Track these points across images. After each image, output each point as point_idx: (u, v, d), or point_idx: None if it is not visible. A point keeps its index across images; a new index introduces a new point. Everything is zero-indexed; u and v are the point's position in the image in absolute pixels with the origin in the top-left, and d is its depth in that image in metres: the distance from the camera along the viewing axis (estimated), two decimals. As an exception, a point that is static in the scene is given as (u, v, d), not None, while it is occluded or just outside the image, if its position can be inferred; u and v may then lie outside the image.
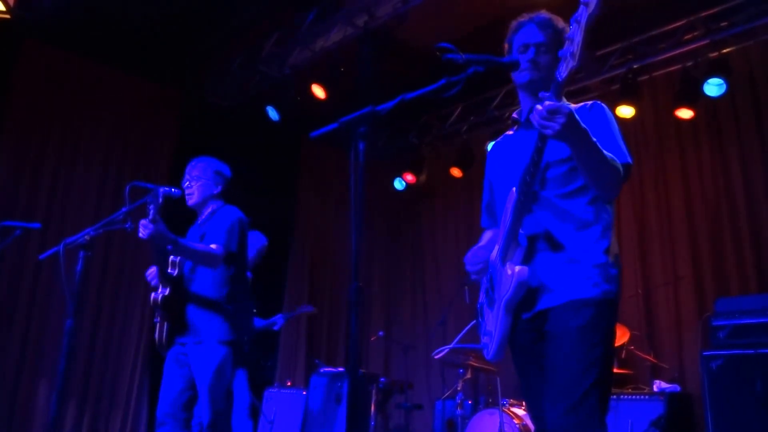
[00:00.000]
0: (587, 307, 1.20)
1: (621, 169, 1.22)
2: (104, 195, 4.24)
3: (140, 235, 1.88)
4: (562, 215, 1.27)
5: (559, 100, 1.13)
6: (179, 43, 4.28)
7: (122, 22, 3.98)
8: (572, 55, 1.08)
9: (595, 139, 1.16)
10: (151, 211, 1.88)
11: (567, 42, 1.08)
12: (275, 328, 3.41)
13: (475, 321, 1.45)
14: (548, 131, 1.10)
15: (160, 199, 1.90)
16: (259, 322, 3.27)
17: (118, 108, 4.38)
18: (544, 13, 1.37)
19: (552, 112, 1.09)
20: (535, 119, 1.11)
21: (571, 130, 1.11)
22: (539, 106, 1.10)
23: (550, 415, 1.17)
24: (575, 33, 1.07)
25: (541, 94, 1.12)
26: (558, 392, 1.16)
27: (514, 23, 1.38)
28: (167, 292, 2.04)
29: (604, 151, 1.18)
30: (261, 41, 4.27)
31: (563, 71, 1.09)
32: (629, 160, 1.25)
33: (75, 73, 4.22)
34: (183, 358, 2.05)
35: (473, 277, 1.38)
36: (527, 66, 1.31)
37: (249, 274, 2.34)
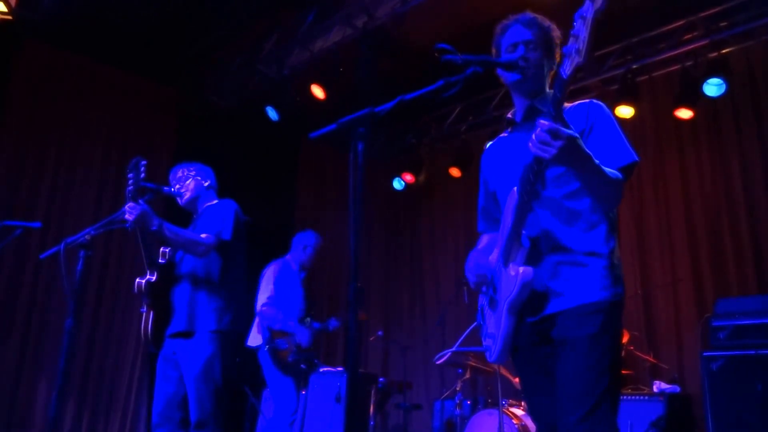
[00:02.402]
0: (598, 312, 1.20)
1: (621, 180, 1.21)
2: (104, 194, 4.24)
3: (127, 217, 1.86)
4: (567, 216, 1.26)
5: (564, 98, 1.11)
6: (179, 44, 4.28)
7: (122, 22, 3.98)
8: (578, 51, 1.05)
9: (597, 162, 1.14)
10: (131, 182, 1.86)
11: (571, 39, 1.06)
12: (330, 329, 3.41)
13: (476, 323, 1.44)
14: (545, 155, 1.08)
15: (142, 173, 1.88)
16: (314, 325, 3.29)
17: (118, 108, 4.38)
18: (529, 13, 1.36)
19: (551, 135, 1.06)
20: (532, 143, 1.08)
21: (570, 154, 1.08)
22: (537, 130, 1.07)
23: (564, 423, 1.17)
24: (580, 29, 1.05)
25: (538, 121, 1.08)
26: (571, 400, 1.16)
27: (499, 26, 1.38)
28: (154, 278, 2.01)
29: (605, 169, 1.16)
30: (260, 41, 4.27)
31: (568, 68, 1.06)
32: (635, 157, 1.25)
33: (75, 72, 4.22)
34: (173, 357, 2.03)
35: (474, 287, 1.37)
36: (520, 63, 1.30)
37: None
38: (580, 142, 1.10)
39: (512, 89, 1.38)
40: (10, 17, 3.31)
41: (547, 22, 1.36)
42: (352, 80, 4.06)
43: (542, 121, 1.08)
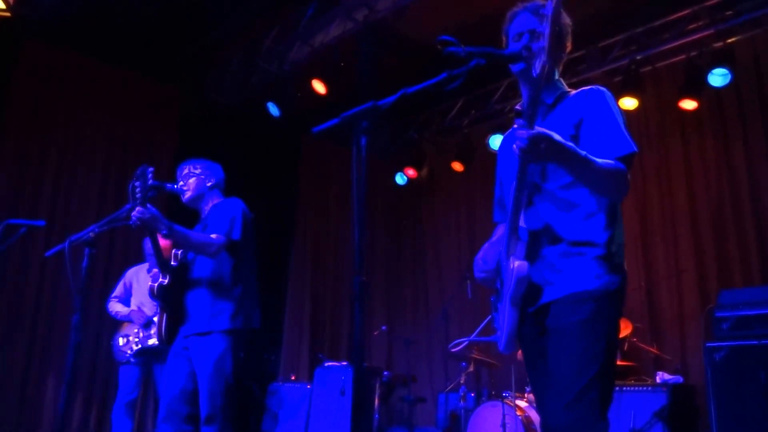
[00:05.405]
0: (589, 300, 1.20)
1: (622, 170, 1.19)
2: (107, 192, 4.26)
3: (135, 222, 1.86)
4: (565, 207, 1.26)
5: (538, 96, 1.13)
6: (179, 41, 4.27)
7: (122, 20, 3.97)
8: (542, 50, 1.06)
9: (584, 153, 1.14)
10: (138, 189, 1.86)
11: (541, 37, 1.08)
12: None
13: (491, 316, 1.45)
14: (528, 158, 1.10)
15: (149, 180, 1.88)
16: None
17: (119, 106, 4.38)
18: (538, 0, 1.33)
19: (531, 140, 1.08)
20: (515, 148, 1.11)
21: (552, 153, 1.10)
22: (519, 137, 1.09)
23: (550, 410, 1.18)
24: (545, 26, 1.06)
25: (516, 121, 1.12)
26: (559, 387, 1.17)
27: (508, 13, 1.37)
28: (165, 281, 2.03)
29: (598, 161, 1.15)
30: (260, 37, 4.26)
31: (537, 67, 1.08)
32: (633, 148, 1.22)
33: (75, 71, 4.22)
34: (184, 352, 2.04)
35: (482, 283, 1.37)
36: (523, 54, 1.29)
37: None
38: (557, 138, 1.10)
39: (519, 79, 1.36)
40: (8, 14, 3.30)
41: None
42: (354, 75, 4.04)
43: (519, 132, 1.10)
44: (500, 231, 1.49)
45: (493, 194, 1.52)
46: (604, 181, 1.18)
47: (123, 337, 3.10)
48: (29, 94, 4.02)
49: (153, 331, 3.00)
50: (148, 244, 3.11)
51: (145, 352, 3.02)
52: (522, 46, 1.29)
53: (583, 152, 1.14)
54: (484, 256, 1.36)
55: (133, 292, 3.20)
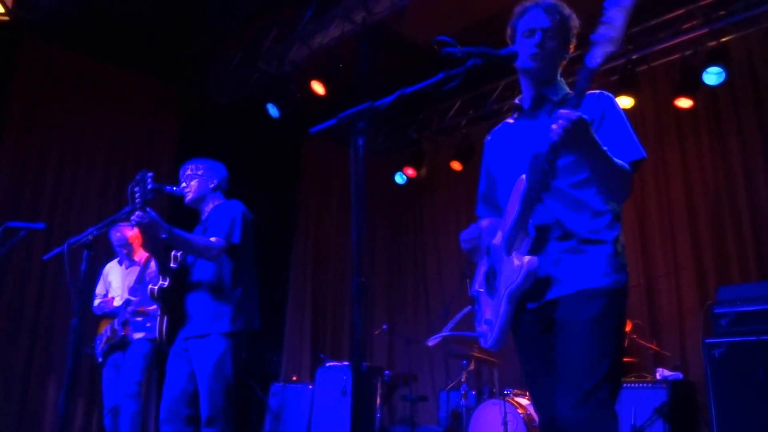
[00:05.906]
0: (598, 297, 1.19)
1: (630, 172, 1.22)
2: (107, 194, 4.26)
3: (131, 223, 1.88)
4: (573, 205, 1.26)
5: (587, 86, 1.14)
6: (179, 41, 4.28)
7: (121, 20, 3.98)
8: (611, 40, 1.05)
9: (605, 149, 1.16)
10: (138, 194, 1.87)
11: (603, 26, 1.06)
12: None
13: (468, 309, 1.46)
14: (568, 137, 1.11)
15: (149, 185, 1.89)
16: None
17: (119, 106, 4.39)
18: None
19: (575, 122, 1.09)
20: (555, 131, 1.12)
21: (584, 139, 1.12)
22: (558, 121, 1.11)
23: (560, 407, 1.15)
24: (616, 17, 1.05)
25: (558, 111, 1.13)
26: (569, 384, 1.15)
27: (518, 8, 1.35)
28: (166, 283, 2.04)
29: (613, 158, 1.18)
30: (260, 38, 4.27)
31: (598, 57, 1.07)
32: (643, 153, 1.25)
33: (75, 72, 4.22)
34: (184, 354, 2.05)
35: (467, 253, 1.42)
36: (534, 51, 1.28)
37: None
38: (590, 127, 1.13)
39: (522, 74, 1.36)
40: (7, 18, 3.30)
41: (567, 10, 1.33)
42: (352, 75, 4.06)
43: (563, 111, 1.12)
44: (483, 224, 1.50)
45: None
46: (616, 178, 1.21)
47: (99, 338, 3.14)
48: (29, 95, 4.01)
49: (116, 323, 3.04)
50: (114, 236, 3.17)
51: (112, 349, 3.04)
52: (535, 44, 1.29)
53: (605, 147, 1.17)
54: (470, 230, 1.43)
55: (107, 283, 3.26)
